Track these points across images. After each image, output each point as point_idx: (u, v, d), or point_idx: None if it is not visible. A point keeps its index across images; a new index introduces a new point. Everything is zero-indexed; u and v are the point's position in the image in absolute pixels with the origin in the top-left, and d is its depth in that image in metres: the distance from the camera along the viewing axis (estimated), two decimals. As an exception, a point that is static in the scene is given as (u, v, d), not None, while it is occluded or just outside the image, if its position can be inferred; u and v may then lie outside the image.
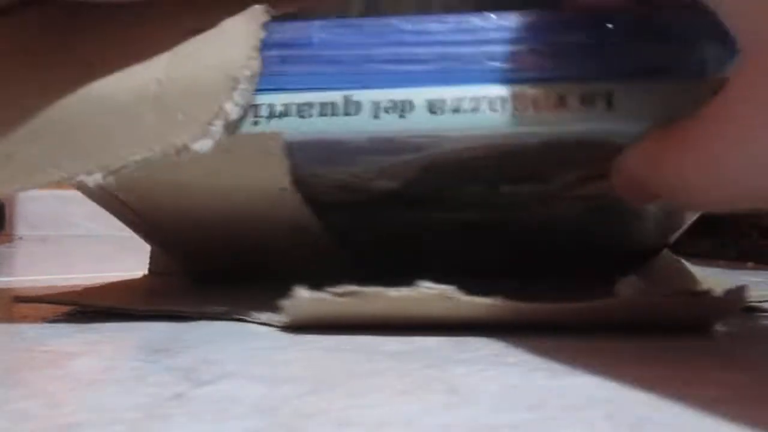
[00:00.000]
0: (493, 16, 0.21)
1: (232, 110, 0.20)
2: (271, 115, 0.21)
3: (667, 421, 0.13)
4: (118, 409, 0.13)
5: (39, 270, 0.44)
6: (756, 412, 0.13)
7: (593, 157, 0.21)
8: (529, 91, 0.20)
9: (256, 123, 0.21)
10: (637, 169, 0.20)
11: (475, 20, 0.21)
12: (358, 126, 0.21)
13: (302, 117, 0.21)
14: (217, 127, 0.20)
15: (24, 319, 0.23)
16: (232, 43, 0.21)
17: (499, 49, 0.21)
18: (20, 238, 0.99)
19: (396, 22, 0.22)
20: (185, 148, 0.20)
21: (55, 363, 0.17)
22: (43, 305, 0.25)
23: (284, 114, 0.21)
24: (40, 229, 1.09)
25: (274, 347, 0.19)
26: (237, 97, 0.20)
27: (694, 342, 0.20)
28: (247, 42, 0.21)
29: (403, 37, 0.22)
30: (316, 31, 0.22)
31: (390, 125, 0.21)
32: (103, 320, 0.22)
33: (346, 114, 0.21)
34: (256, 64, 0.20)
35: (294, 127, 0.21)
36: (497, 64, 0.21)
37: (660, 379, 0.16)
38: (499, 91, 0.21)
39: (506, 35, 0.21)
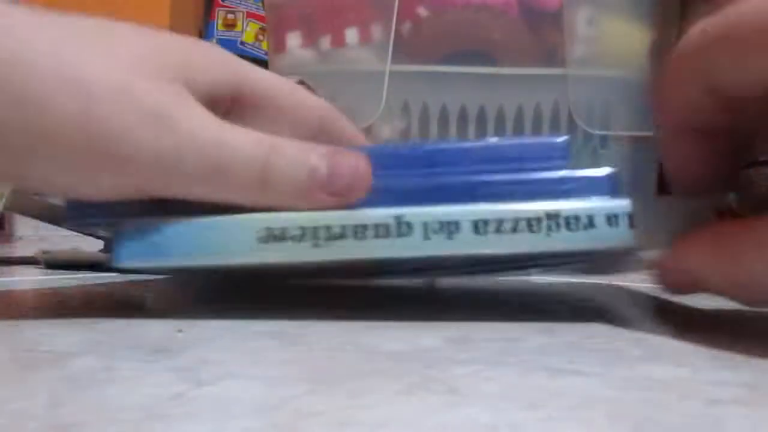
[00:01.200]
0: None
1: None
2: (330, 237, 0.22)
3: (668, 421, 0.13)
4: (118, 409, 0.13)
5: (38, 270, 0.44)
6: (757, 412, 0.13)
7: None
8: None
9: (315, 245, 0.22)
10: None
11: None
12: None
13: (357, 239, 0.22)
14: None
15: (24, 319, 0.23)
16: None
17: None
18: (20, 238, 0.98)
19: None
20: None
21: (55, 363, 0.17)
22: (43, 305, 0.25)
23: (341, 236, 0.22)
24: (40, 229, 1.09)
25: (274, 347, 0.19)
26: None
27: (695, 342, 0.20)
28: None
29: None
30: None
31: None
32: (103, 320, 0.22)
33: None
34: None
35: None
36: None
37: (660, 378, 0.16)
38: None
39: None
